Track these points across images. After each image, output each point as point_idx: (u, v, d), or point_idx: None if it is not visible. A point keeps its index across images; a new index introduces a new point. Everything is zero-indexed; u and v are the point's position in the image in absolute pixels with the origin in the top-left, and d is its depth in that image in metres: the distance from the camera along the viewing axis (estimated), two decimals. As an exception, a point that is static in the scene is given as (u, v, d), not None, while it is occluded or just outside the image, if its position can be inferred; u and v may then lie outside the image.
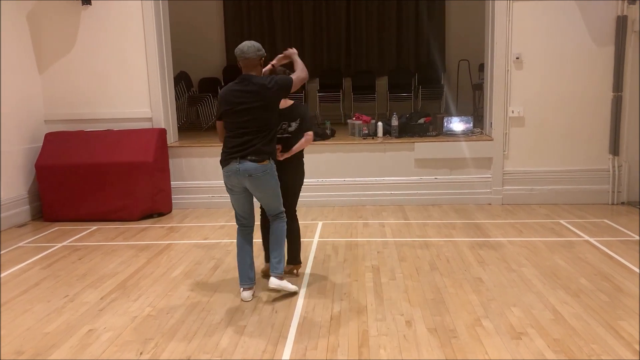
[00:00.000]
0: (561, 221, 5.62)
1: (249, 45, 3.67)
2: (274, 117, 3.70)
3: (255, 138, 3.63)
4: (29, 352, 3.14)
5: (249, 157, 3.61)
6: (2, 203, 5.91)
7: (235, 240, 3.89)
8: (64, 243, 5.34)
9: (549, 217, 5.81)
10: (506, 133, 6.38)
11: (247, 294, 3.80)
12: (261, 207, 3.95)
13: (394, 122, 6.76)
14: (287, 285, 3.82)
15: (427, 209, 6.28)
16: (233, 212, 6.30)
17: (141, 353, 3.08)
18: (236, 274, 4.31)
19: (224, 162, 3.72)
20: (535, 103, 6.31)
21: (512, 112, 6.34)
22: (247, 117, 3.61)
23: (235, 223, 3.89)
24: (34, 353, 3.12)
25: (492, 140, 6.42)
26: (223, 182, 3.81)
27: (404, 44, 9.94)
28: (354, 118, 7.20)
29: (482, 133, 6.81)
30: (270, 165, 3.69)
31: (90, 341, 3.25)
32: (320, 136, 6.81)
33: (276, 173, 3.76)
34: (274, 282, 3.78)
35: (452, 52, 9.72)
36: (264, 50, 3.73)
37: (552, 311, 3.47)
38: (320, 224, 5.79)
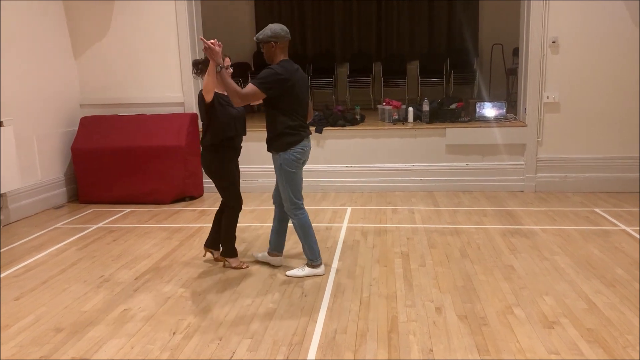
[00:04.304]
0: (596, 209, 5.50)
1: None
2: None
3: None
4: (67, 329, 3.25)
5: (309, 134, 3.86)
6: (40, 185, 6.09)
7: (302, 224, 3.91)
8: (99, 225, 5.48)
9: (584, 205, 5.69)
10: (540, 119, 6.25)
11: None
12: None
13: (425, 107, 6.68)
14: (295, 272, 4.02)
15: (457, 196, 6.22)
16: (264, 196, 6.40)
17: (174, 332, 3.16)
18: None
19: (296, 140, 3.73)
20: (571, 88, 6.15)
21: (547, 97, 6.19)
22: (305, 97, 3.80)
23: (269, 206, 3.95)
24: (72, 330, 3.23)
25: (525, 126, 6.29)
26: (284, 165, 3.75)
27: (436, 27, 9.78)
28: (384, 103, 7.15)
29: (515, 119, 6.68)
30: None
31: (126, 320, 3.34)
32: (349, 121, 6.79)
33: None
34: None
35: (485, 36, 9.52)
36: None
37: (585, 301, 3.41)
38: (349, 209, 5.79)
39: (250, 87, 3.55)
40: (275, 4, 9.99)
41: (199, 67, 4.05)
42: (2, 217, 5.45)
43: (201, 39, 3.61)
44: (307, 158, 3.88)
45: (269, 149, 3.83)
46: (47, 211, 6.09)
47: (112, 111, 6.74)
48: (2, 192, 5.36)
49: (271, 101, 3.66)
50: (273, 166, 3.85)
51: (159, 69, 6.65)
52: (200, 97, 3.87)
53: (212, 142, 3.95)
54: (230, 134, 3.96)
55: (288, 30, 3.71)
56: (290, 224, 4.16)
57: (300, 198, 3.88)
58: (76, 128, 6.62)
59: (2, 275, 4.18)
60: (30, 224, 5.56)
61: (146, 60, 6.67)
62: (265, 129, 3.81)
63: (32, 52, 6.03)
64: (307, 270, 3.96)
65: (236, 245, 4.22)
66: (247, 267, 4.21)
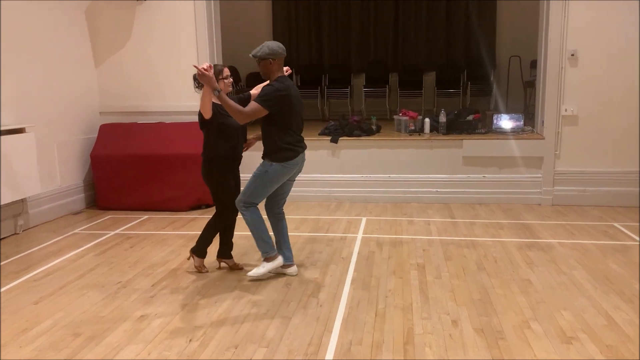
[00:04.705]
0: (615, 224, 5.43)
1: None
2: None
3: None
4: (85, 334, 3.28)
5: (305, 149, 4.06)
6: (59, 191, 6.18)
7: (253, 219, 3.97)
8: (117, 231, 5.54)
9: (602, 219, 5.62)
10: (558, 132, 6.21)
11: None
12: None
13: (442, 118, 6.67)
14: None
15: (474, 208, 6.19)
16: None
17: (190, 340, 3.18)
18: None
19: (293, 156, 3.90)
20: (590, 101, 6.10)
21: (565, 110, 6.15)
22: (301, 112, 4.00)
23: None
24: (90, 335, 3.26)
25: (543, 139, 6.26)
26: (270, 173, 3.89)
27: (453, 38, 9.79)
28: (400, 114, 7.15)
29: (533, 131, 6.65)
30: None
31: (142, 326, 3.36)
32: (365, 132, 6.80)
33: None
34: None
35: (502, 48, 9.50)
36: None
37: (604, 316, 3.37)
38: (364, 219, 5.79)
39: (253, 104, 3.72)
40: (293, 16, 10.07)
41: None
42: (21, 222, 5.53)
43: (194, 66, 3.66)
44: (300, 171, 4.07)
45: (263, 157, 3.96)
46: (65, 217, 6.17)
47: (131, 119, 6.83)
48: (22, 197, 5.44)
49: (270, 117, 3.80)
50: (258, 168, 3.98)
51: (178, 77, 6.71)
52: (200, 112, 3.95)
53: (213, 154, 4.04)
54: (232, 144, 4.05)
55: (284, 47, 3.90)
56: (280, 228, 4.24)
57: (257, 202, 3.97)
58: (95, 135, 6.71)
59: (21, 279, 4.23)
60: (49, 229, 5.64)
61: (165, 68, 6.75)
62: None
63: (54, 60, 6.14)
64: (267, 266, 4.03)
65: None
66: (207, 271, 4.29)
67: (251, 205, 3.96)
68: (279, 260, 4.06)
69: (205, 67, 3.59)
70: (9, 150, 5.18)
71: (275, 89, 3.77)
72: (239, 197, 3.99)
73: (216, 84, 3.65)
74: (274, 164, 3.88)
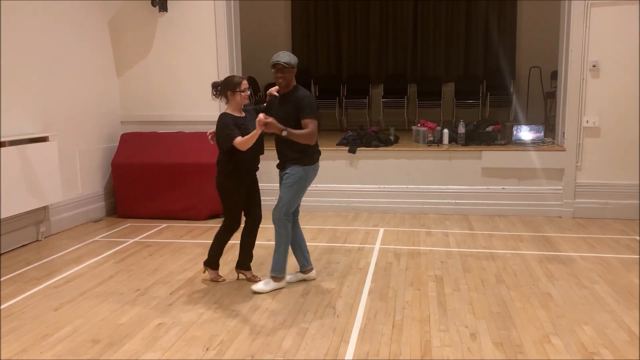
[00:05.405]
0: (637, 237, 5.33)
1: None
2: None
3: None
4: (104, 340, 3.31)
5: None
6: (80, 198, 6.27)
7: (287, 234, 4.07)
8: (136, 239, 5.59)
9: (625, 232, 5.53)
10: (579, 144, 6.13)
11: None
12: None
13: (461, 129, 6.64)
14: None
15: (493, 220, 6.12)
16: (307, 217, 6.39)
17: (207, 349, 3.19)
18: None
19: (318, 158, 4.07)
20: (612, 113, 6.02)
21: (587, 122, 6.07)
22: None
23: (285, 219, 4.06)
24: (108, 342, 3.29)
25: (564, 150, 6.18)
26: (304, 177, 3.99)
27: (472, 49, 9.76)
28: (418, 124, 7.13)
29: (553, 143, 6.58)
30: None
31: (160, 334, 3.39)
32: (383, 142, 6.79)
33: None
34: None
35: (522, 59, 9.45)
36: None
37: (627, 332, 3.30)
38: (381, 230, 5.77)
39: (310, 122, 3.85)
40: (312, 30, 10.14)
41: (218, 88, 4.15)
42: (43, 229, 5.62)
43: (257, 122, 3.72)
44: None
45: (290, 164, 3.97)
46: (86, 224, 6.25)
47: (152, 128, 6.91)
48: (44, 204, 5.53)
49: (300, 125, 3.88)
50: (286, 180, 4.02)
51: (198, 87, 6.79)
52: (221, 124, 3.97)
53: (232, 167, 4.06)
54: (251, 155, 4.07)
55: None
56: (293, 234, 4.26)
57: (292, 212, 4.07)
58: (116, 144, 6.80)
59: (42, 285, 4.29)
60: (70, 237, 5.72)
61: (186, 79, 6.83)
62: None
63: (77, 70, 6.25)
64: (273, 285, 4.08)
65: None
66: (224, 280, 4.32)
67: (289, 218, 4.04)
68: (284, 283, 4.14)
69: (263, 117, 3.71)
70: (32, 158, 5.28)
71: (312, 96, 4.00)
72: (277, 212, 4.00)
73: (281, 125, 3.75)
74: (307, 167, 3.97)
